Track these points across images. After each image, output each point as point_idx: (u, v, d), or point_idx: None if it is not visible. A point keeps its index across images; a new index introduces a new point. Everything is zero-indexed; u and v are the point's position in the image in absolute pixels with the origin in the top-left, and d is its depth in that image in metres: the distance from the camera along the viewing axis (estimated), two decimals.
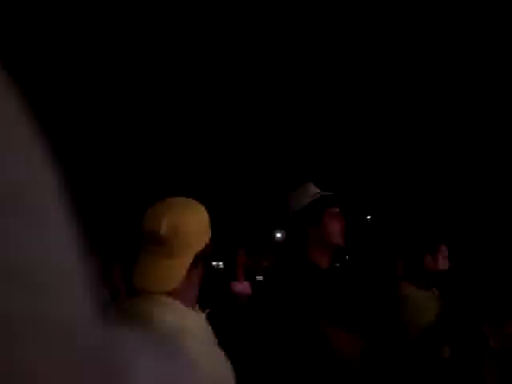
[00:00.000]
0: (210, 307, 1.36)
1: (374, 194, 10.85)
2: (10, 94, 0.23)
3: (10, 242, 0.21)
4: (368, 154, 9.50)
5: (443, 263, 2.66)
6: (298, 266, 1.93)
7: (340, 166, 9.39)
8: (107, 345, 0.27)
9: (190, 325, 1.25)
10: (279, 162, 9.18)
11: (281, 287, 1.83)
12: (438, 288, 2.75)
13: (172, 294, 1.26)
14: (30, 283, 0.22)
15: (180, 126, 8.34)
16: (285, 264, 2.02)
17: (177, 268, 1.25)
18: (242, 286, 2.89)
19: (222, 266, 3.86)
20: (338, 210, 2.01)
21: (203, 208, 1.38)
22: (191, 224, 1.28)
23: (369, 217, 11.76)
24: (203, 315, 1.33)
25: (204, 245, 1.31)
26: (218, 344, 1.31)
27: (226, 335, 1.35)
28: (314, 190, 2.07)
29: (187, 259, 1.27)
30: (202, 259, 1.31)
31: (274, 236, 13.23)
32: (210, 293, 1.40)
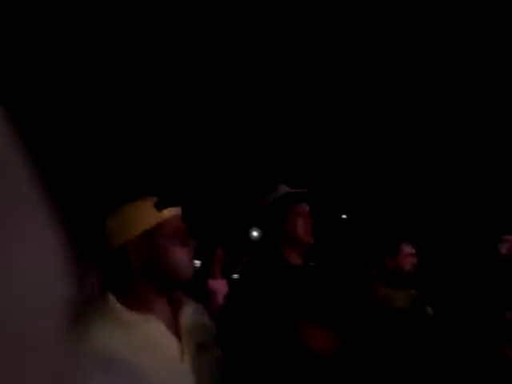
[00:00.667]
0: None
1: (350, 194, 10.98)
2: None
3: None
4: (346, 154, 9.60)
5: (406, 263, 2.70)
6: (271, 263, 1.96)
7: (317, 165, 9.48)
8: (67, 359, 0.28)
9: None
10: (258, 161, 9.20)
11: (254, 284, 1.86)
12: (413, 286, 2.81)
13: None
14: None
15: (156, 126, 8.29)
16: (258, 261, 2.05)
17: None
18: (218, 284, 2.92)
19: (198, 265, 3.88)
20: (305, 207, 2.02)
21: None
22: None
23: (344, 216, 11.90)
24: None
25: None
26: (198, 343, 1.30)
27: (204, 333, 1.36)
28: (285, 189, 2.11)
29: None
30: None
31: (252, 234, 13.30)
32: (187, 290, 1.39)
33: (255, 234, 12.99)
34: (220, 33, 6.84)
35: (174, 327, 1.24)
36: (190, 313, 1.30)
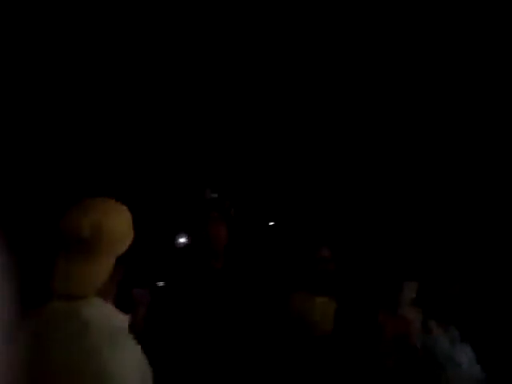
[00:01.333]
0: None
1: (278, 201, 11.16)
2: None
3: None
4: (275, 163, 9.74)
5: (323, 266, 2.75)
6: (192, 268, 1.99)
7: (246, 172, 9.55)
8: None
9: (115, 323, 1.26)
10: (185, 167, 9.12)
11: (175, 291, 1.87)
12: (331, 291, 2.87)
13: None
14: None
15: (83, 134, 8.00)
16: (182, 267, 2.08)
17: (99, 270, 1.25)
18: (141, 293, 2.88)
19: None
20: (217, 214, 2.08)
21: (126, 208, 1.38)
22: (114, 225, 1.29)
23: (271, 223, 12.08)
24: (127, 317, 1.34)
25: (127, 246, 1.33)
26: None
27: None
28: (208, 195, 2.15)
29: (110, 261, 1.28)
30: (123, 261, 1.32)
31: (178, 240, 13.12)
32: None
33: (182, 240, 12.84)
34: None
35: None
36: None
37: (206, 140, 9.38)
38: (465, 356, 2.46)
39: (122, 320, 1.31)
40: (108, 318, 1.25)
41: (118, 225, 1.30)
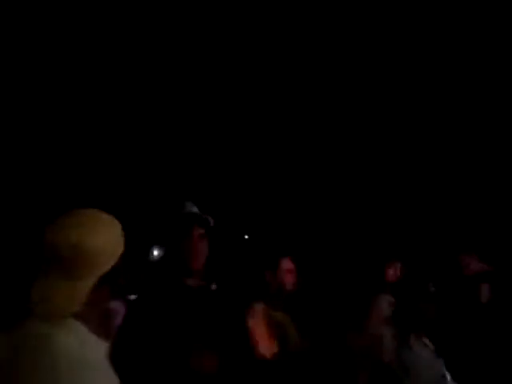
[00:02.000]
0: None
1: (253, 215, 11.15)
2: None
3: None
4: (251, 177, 9.74)
5: (285, 277, 2.65)
6: (168, 284, 1.95)
7: (221, 185, 9.52)
8: None
9: (89, 355, 1.13)
10: (164, 179, 9.04)
11: (148, 306, 1.84)
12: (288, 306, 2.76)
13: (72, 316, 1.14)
14: None
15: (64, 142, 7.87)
16: (156, 282, 2.04)
17: (78, 291, 1.13)
18: (115, 305, 2.83)
19: None
20: (199, 231, 2.02)
21: (116, 223, 1.27)
22: (97, 243, 1.17)
23: (246, 236, 12.06)
24: (104, 344, 1.20)
25: (111, 265, 1.20)
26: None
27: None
28: (189, 208, 2.10)
29: (90, 281, 1.15)
30: (107, 280, 1.20)
31: (152, 253, 12.95)
32: None
33: (156, 253, 12.68)
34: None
35: None
36: None
37: (183, 153, 9.33)
38: (444, 369, 2.48)
39: (98, 350, 1.18)
40: (81, 350, 1.12)
41: (101, 243, 1.18)
